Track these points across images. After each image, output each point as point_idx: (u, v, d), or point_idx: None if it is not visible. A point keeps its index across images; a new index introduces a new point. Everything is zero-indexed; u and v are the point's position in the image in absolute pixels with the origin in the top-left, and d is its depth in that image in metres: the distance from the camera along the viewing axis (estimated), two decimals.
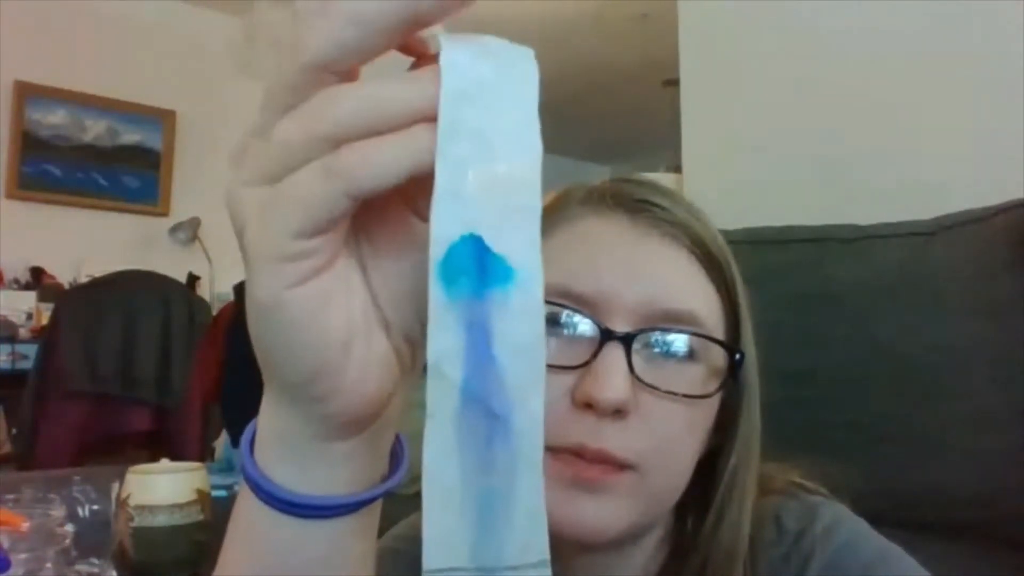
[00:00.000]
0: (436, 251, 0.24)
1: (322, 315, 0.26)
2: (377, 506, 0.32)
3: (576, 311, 0.46)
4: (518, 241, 0.25)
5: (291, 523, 0.30)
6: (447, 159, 0.24)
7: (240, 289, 1.81)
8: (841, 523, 0.50)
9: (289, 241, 0.25)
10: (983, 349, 0.71)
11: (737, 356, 0.49)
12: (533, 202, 0.25)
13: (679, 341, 0.47)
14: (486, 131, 0.25)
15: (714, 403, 0.49)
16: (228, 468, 1.70)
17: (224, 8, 3.98)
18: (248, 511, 0.31)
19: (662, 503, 0.49)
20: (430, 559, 0.25)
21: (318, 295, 0.26)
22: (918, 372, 0.74)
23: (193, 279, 3.70)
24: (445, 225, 0.24)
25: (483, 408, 0.25)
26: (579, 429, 0.44)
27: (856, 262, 0.80)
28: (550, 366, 0.26)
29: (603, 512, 0.45)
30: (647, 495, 0.47)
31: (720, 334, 0.50)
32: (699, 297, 0.49)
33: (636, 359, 0.45)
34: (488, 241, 0.25)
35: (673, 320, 0.47)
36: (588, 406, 0.44)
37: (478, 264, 0.24)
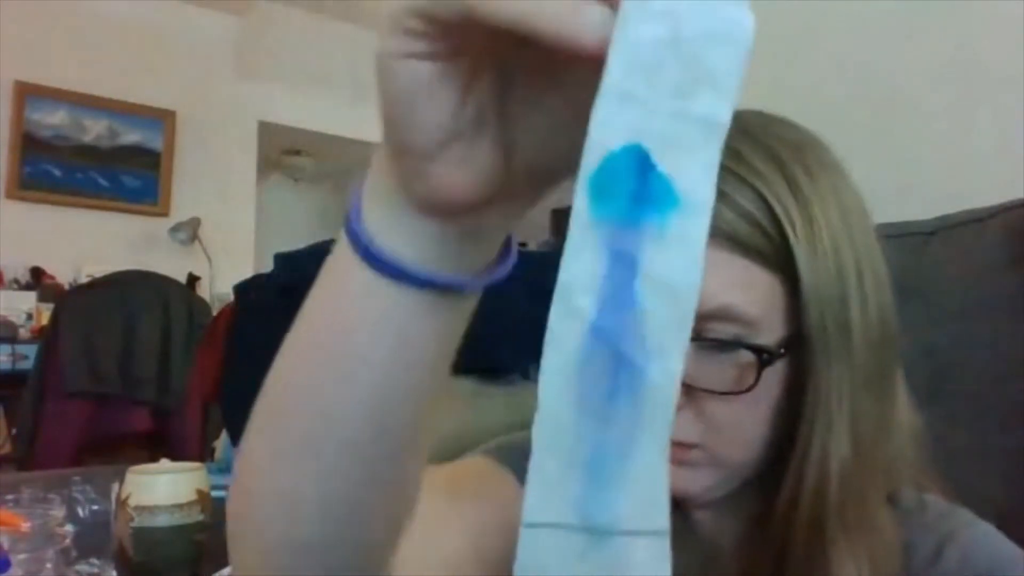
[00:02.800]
0: (590, 159, 0.21)
1: (418, 99, 0.26)
2: (462, 301, 0.32)
3: None
4: (691, 162, 0.21)
5: (365, 272, 0.30)
6: (625, 45, 0.20)
7: (240, 289, 1.81)
8: (976, 519, 0.53)
9: (406, 15, 0.25)
10: (983, 348, 0.71)
11: (765, 356, 0.48)
12: (721, 115, 0.21)
13: (712, 341, 0.48)
14: (680, 16, 0.20)
15: (775, 372, 0.49)
16: (228, 468, 1.69)
17: (224, 8, 3.98)
18: (337, 251, 0.32)
19: (742, 467, 0.52)
20: (531, 510, 0.23)
21: (417, 78, 0.26)
22: (918, 372, 0.74)
23: (193, 279, 3.69)
24: (607, 129, 0.21)
25: (613, 352, 0.22)
26: None
27: None
28: None
29: (683, 481, 0.49)
30: (723, 462, 0.50)
31: (777, 311, 0.48)
32: (734, 288, 0.48)
33: None
34: (655, 156, 0.21)
35: (708, 319, 0.47)
36: None
37: (637, 182, 0.21)
